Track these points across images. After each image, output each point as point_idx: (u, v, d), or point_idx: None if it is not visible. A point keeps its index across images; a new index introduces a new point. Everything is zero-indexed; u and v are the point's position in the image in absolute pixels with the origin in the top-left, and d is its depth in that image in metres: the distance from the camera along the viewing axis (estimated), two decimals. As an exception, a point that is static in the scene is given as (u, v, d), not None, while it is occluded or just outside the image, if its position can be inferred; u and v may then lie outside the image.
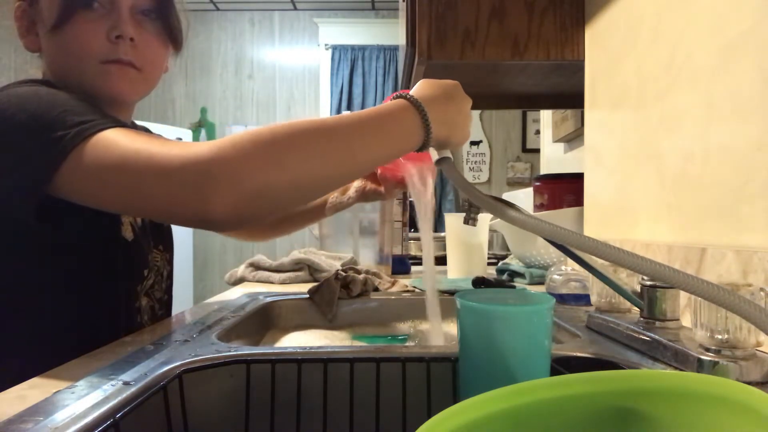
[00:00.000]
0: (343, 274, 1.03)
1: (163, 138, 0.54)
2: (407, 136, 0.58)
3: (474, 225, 0.76)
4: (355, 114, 0.56)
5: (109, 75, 0.71)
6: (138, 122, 0.99)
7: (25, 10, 0.71)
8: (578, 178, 1.17)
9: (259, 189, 0.49)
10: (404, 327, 0.97)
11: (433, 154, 0.63)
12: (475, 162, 4.56)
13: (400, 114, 0.58)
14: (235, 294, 1.04)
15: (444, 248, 1.43)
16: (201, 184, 0.49)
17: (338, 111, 4.46)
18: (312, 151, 0.52)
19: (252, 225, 0.52)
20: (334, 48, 4.53)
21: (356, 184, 0.92)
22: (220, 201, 0.48)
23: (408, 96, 0.60)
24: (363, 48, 4.50)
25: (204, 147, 0.50)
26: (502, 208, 0.50)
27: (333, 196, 0.95)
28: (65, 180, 0.55)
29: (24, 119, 0.57)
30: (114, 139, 0.54)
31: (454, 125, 0.62)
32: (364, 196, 0.92)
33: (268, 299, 0.97)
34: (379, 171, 0.86)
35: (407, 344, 0.88)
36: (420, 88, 0.63)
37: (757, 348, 0.49)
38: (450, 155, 0.63)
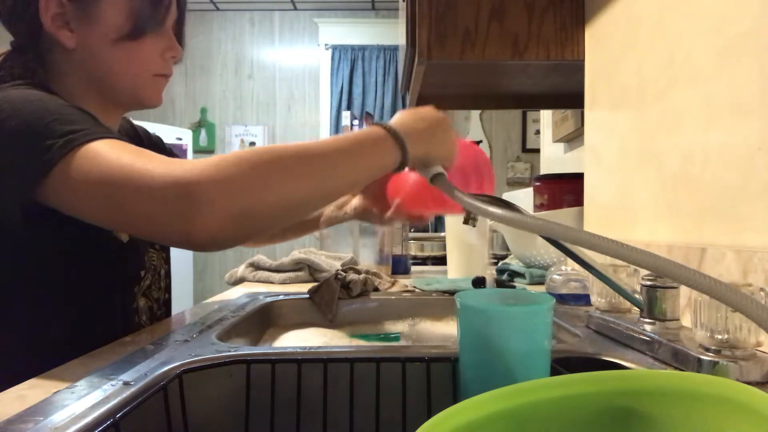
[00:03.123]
0: (343, 274, 1.03)
1: (151, 153, 0.54)
2: (383, 155, 0.60)
3: (474, 225, 0.76)
4: (333, 138, 0.59)
5: (157, 86, 0.78)
6: (137, 122, 0.98)
7: (61, 3, 0.69)
8: (578, 178, 1.17)
9: (241, 211, 0.50)
10: (403, 326, 0.97)
11: (426, 175, 0.64)
12: (475, 162, 4.56)
13: (373, 134, 0.60)
14: (235, 294, 1.04)
15: (444, 248, 1.43)
16: (183, 204, 0.49)
17: (338, 111, 4.45)
18: (293, 174, 0.53)
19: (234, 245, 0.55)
20: (334, 48, 4.53)
21: (355, 202, 0.91)
22: (201, 222, 0.49)
23: (379, 122, 0.62)
24: (363, 48, 4.50)
25: (188, 167, 0.50)
26: (503, 214, 0.49)
27: (329, 209, 0.94)
28: (51, 190, 0.55)
29: (14, 125, 0.57)
30: (101, 152, 0.54)
31: (431, 141, 0.64)
32: (360, 215, 0.91)
33: (268, 299, 0.97)
34: (398, 200, 0.81)
35: (400, 342, 0.88)
36: (394, 117, 0.65)
37: (757, 348, 0.49)
38: (442, 171, 0.63)
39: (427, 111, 0.67)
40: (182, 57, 0.80)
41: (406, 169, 0.64)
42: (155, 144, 0.95)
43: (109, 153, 0.54)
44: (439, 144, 0.65)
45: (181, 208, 0.49)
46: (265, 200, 0.51)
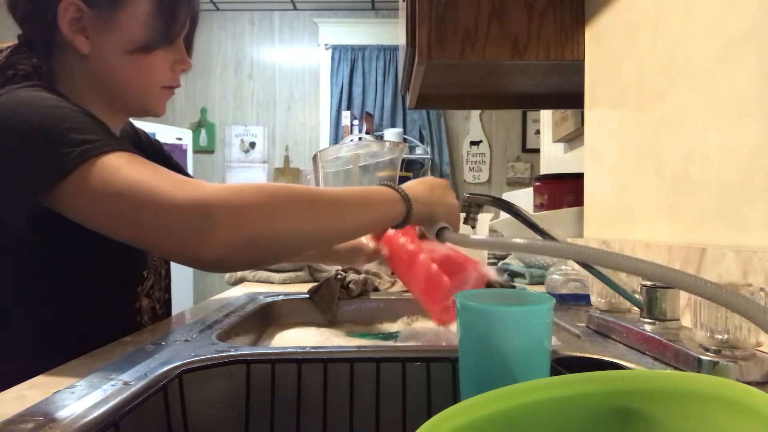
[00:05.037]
0: (343, 274, 1.03)
1: (167, 171, 0.56)
2: (389, 208, 0.64)
3: (474, 226, 0.76)
4: (346, 188, 0.64)
5: (163, 98, 0.80)
6: (138, 122, 0.98)
7: (80, 9, 0.69)
8: (578, 178, 1.17)
9: (254, 237, 0.52)
10: (401, 324, 0.97)
11: (431, 232, 0.68)
12: (475, 162, 4.56)
13: (382, 190, 0.65)
14: (235, 294, 1.04)
15: (444, 248, 1.42)
16: (200, 225, 0.51)
17: (338, 111, 4.45)
18: (306, 212, 0.57)
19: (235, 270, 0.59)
20: (334, 48, 4.53)
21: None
22: (214, 244, 0.51)
23: (387, 183, 0.67)
24: (363, 48, 4.50)
25: (207, 188, 0.52)
26: (517, 242, 0.49)
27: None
28: (62, 198, 0.56)
29: (27, 130, 0.58)
30: (118, 166, 0.55)
31: (431, 199, 0.69)
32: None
33: (268, 299, 0.97)
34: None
35: (399, 341, 0.88)
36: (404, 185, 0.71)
37: (757, 348, 0.49)
38: (446, 225, 0.68)
39: (428, 177, 0.74)
40: (191, 68, 0.80)
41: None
42: (155, 149, 0.95)
43: (127, 167, 0.55)
44: (439, 201, 0.70)
45: (197, 228, 0.51)
46: (276, 231, 0.54)
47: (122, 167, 0.55)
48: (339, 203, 0.60)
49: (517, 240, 0.49)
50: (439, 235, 0.66)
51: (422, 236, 0.74)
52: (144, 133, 0.96)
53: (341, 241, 0.67)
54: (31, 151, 0.57)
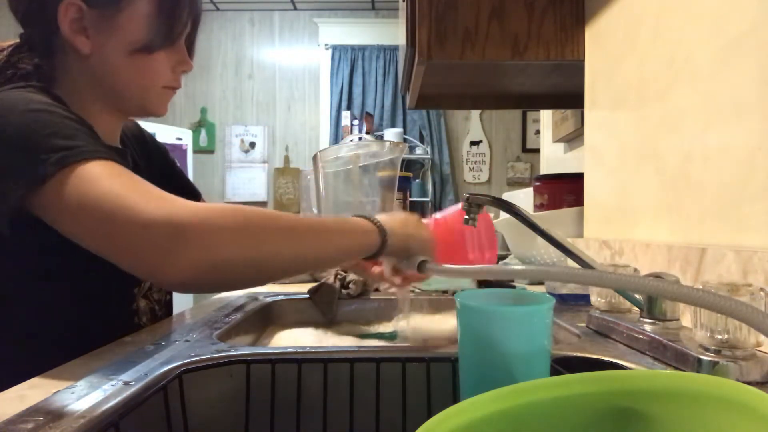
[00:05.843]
0: (343, 274, 1.03)
1: (146, 184, 0.55)
2: (364, 238, 0.63)
3: (474, 225, 0.76)
4: (322, 218, 0.64)
5: (165, 98, 0.79)
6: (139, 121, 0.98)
7: (81, 9, 0.69)
8: (578, 178, 1.17)
9: (223, 260, 0.51)
10: (398, 323, 0.97)
11: (412, 266, 0.67)
12: (475, 162, 4.56)
13: (358, 220, 0.64)
14: (235, 294, 1.04)
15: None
16: (169, 243, 0.49)
17: (338, 111, 4.45)
18: (281, 238, 0.55)
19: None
20: (334, 48, 4.53)
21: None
22: (182, 264, 0.49)
23: (362, 215, 0.66)
24: (363, 48, 4.50)
25: (184, 207, 0.51)
26: (502, 270, 0.49)
27: None
28: (41, 204, 0.55)
29: (10, 133, 0.57)
30: (96, 176, 0.54)
31: (406, 231, 0.68)
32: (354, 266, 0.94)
33: (268, 299, 0.97)
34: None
35: (397, 340, 0.88)
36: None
37: (757, 348, 0.49)
38: (426, 258, 0.67)
39: (400, 213, 0.73)
40: (192, 69, 0.80)
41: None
42: (161, 152, 0.95)
43: (103, 178, 0.54)
44: (414, 234, 0.69)
45: (168, 247, 0.49)
46: (247, 257, 0.52)
47: (99, 178, 0.54)
48: (313, 231, 0.59)
49: (497, 268, 0.49)
50: (421, 268, 0.65)
51: (397, 271, 0.72)
52: (150, 135, 0.95)
53: (314, 268, 0.66)
54: (11, 155, 0.56)
